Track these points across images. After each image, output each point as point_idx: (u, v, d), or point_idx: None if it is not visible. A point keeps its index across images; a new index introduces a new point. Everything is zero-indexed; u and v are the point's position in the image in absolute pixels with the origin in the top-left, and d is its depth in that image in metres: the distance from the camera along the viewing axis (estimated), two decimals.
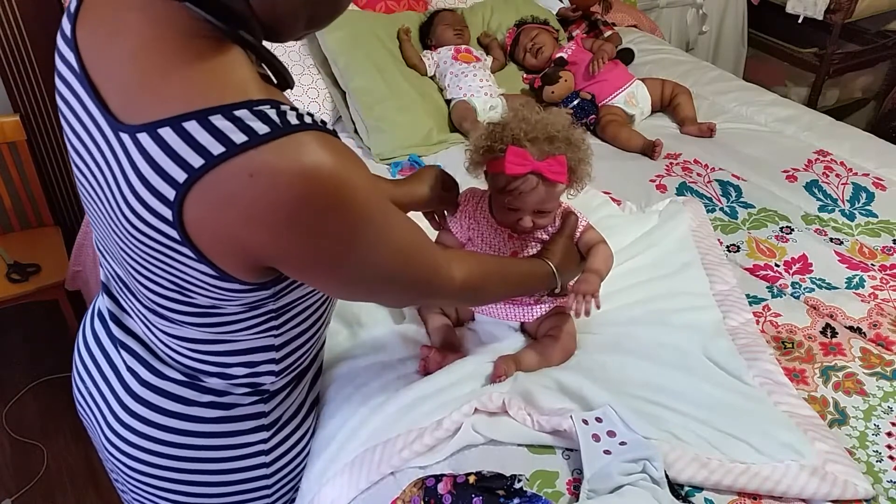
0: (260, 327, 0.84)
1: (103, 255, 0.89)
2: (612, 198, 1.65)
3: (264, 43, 0.74)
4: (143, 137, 0.65)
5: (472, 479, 0.96)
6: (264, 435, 0.95)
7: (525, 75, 2.24)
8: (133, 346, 0.90)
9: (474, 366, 1.17)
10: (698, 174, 1.80)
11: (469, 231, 1.24)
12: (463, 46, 2.14)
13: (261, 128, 0.63)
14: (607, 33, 2.36)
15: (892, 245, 1.56)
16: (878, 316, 1.34)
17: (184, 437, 0.91)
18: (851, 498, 1.00)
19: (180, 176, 0.64)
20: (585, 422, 1.04)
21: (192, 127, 0.63)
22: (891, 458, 1.09)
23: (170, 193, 0.65)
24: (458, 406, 1.07)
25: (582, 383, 1.11)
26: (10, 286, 2.02)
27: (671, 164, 1.85)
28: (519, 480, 0.97)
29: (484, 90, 2.01)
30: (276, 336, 0.86)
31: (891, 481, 1.05)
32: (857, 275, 1.46)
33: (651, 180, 1.77)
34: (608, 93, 2.06)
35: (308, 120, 0.67)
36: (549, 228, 1.22)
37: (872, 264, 1.50)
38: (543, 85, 2.08)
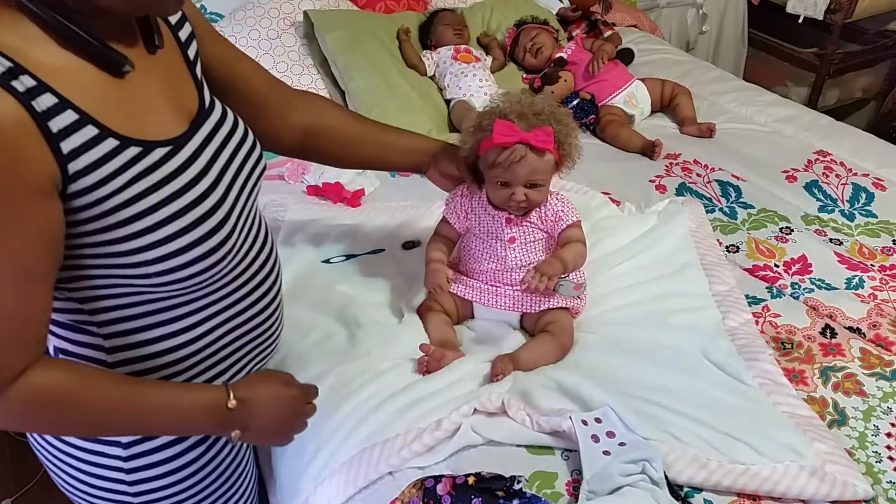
0: (70, 315, 0.81)
1: None
2: (611, 198, 1.65)
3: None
4: None
5: (471, 479, 0.96)
6: (119, 451, 0.90)
7: (525, 75, 2.24)
8: None
9: (473, 365, 1.17)
10: (698, 174, 1.80)
11: (467, 220, 1.28)
12: (462, 46, 2.14)
13: None
14: (607, 33, 2.36)
15: (892, 245, 1.56)
16: (877, 316, 1.34)
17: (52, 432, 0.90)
18: (851, 498, 1.00)
19: None
20: (585, 422, 1.04)
21: None
22: (890, 458, 1.09)
23: None
24: (458, 406, 1.07)
25: (581, 384, 1.11)
26: None
27: (671, 164, 1.85)
28: (518, 481, 0.97)
29: (484, 90, 2.00)
30: (102, 338, 0.84)
31: (890, 482, 1.05)
32: (856, 275, 1.46)
33: (650, 181, 1.77)
34: (608, 93, 2.06)
35: None
36: (544, 214, 1.24)
37: (872, 265, 1.50)
38: (543, 85, 2.08)
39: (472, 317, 1.31)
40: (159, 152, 0.77)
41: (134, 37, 0.79)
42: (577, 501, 0.97)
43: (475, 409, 1.08)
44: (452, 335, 1.25)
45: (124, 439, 0.90)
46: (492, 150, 1.16)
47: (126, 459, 0.91)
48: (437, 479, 0.98)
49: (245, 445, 1.07)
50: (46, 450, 0.94)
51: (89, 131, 0.70)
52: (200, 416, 0.82)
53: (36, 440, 0.95)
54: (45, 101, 0.67)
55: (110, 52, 0.74)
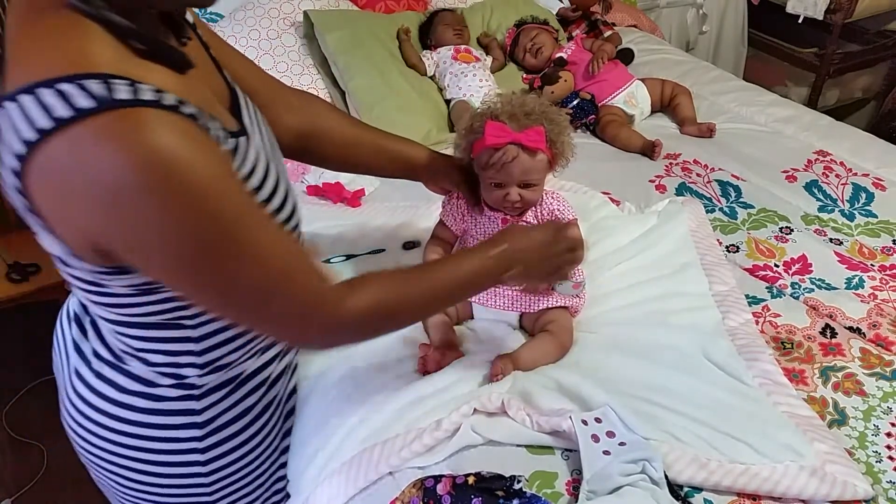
0: (167, 314, 0.83)
1: None
2: (611, 198, 1.65)
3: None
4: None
5: (471, 479, 0.96)
6: (196, 433, 0.94)
7: (525, 75, 2.24)
8: (79, 322, 0.94)
9: (473, 365, 1.17)
10: (698, 174, 1.80)
11: (463, 222, 1.28)
12: (462, 46, 2.14)
13: (83, 102, 0.61)
14: (607, 33, 2.36)
15: (892, 245, 1.56)
16: (877, 316, 1.34)
17: (119, 423, 0.91)
18: (851, 498, 1.00)
19: (20, 148, 0.64)
20: (585, 422, 1.04)
21: (25, 100, 0.63)
22: (890, 458, 1.09)
23: (14, 164, 0.65)
24: (458, 406, 1.07)
25: (581, 384, 1.11)
26: (10, 286, 2.02)
27: (671, 164, 1.85)
28: (518, 481, 0.97)
29: (484, 90, 2.00)
30: (192, 329, 0.86)
31: (890, 482, 1.05)
32: (856, 275, 1.46)
33: (650, 181, 1.77)
34: (608, 93, 2.06)
35: (148, 97, 0.64)
36: (540, 213, 1.24)
37: (872, 265, 1.50)
38: (543, 85, 2.08)
39: (472, 317, 1.31)
40: (243, 142, 0.80)
41: (167, 32, 0.79)
42: (577, 501, 0.97)
43: (475, 409, 1.08)
44: (452, 335, 1.25)
45: (200, 418, 0.93)
46: (484, 151, 1.16)
47: (201, 439, 0.94)
48: (437, 479, 0.98)
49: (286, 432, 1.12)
50: (100, 447, 0.94)
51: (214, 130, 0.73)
52: (479, 272, 0.98)
53: (88, 441, 0.95)
54: (187, 111, 0.68)
55: (177, 53, 0.73)
